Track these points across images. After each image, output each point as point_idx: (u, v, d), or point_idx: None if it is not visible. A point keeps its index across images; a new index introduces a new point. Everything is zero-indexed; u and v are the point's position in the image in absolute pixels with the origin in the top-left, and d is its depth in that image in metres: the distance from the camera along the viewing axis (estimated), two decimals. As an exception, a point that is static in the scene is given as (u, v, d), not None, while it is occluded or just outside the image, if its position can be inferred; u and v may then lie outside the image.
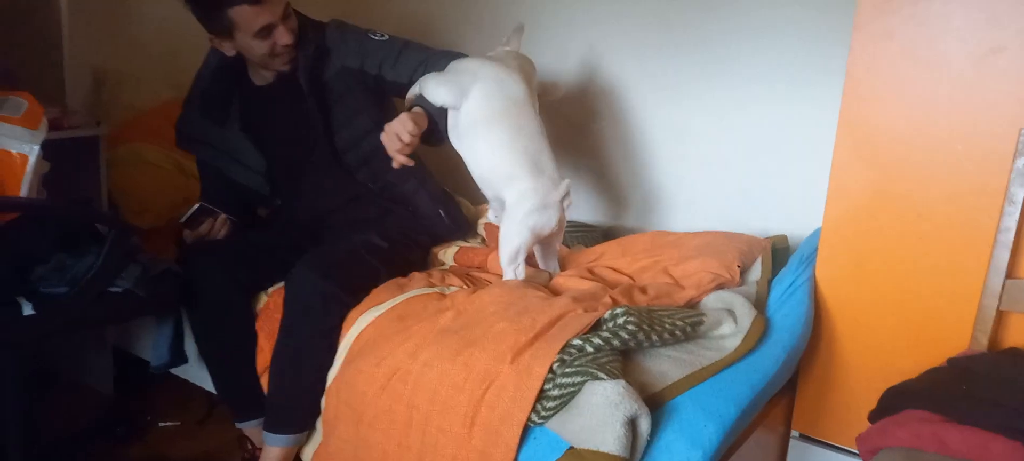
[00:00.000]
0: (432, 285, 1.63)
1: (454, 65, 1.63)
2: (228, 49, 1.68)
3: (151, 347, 1.67)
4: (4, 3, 1.94)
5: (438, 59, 1.70)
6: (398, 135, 1.53)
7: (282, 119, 1.78)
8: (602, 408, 1.12)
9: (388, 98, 1.82)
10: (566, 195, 1.55)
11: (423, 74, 1.66)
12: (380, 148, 1.69)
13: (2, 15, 1.94)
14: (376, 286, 1.59)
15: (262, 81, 1.78)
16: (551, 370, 1.22)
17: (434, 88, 1.59)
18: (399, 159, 1.55)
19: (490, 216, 1.75)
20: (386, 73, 1.73)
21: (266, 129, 1.80)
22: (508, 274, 1.57)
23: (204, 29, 1.65)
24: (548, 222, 1.54)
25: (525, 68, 1.68)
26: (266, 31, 1.62)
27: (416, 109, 1.62)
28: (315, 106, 1.71)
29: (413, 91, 1.65)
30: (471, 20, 2.38)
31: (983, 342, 1.27)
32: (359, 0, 2.48)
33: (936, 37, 1.27)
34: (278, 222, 1.92)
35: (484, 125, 1.56)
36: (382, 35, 1.76)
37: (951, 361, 1.24)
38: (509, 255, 1.56)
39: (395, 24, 2.32)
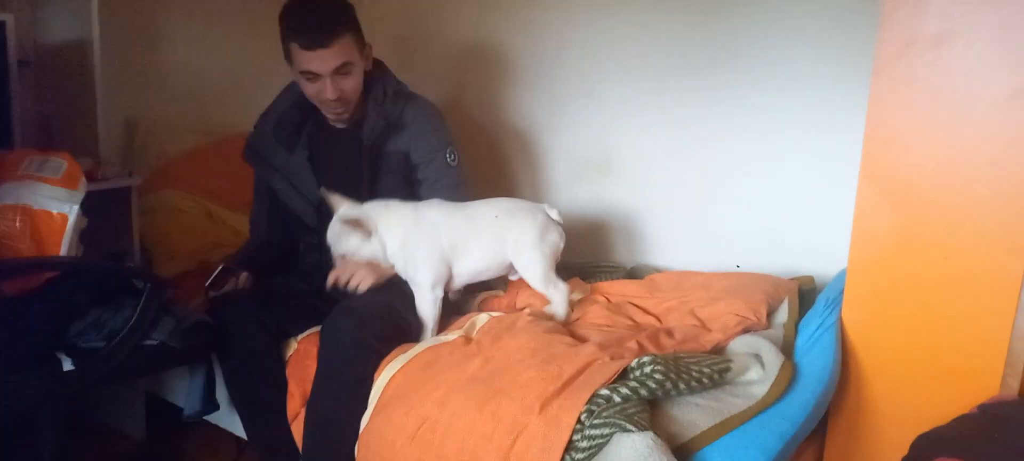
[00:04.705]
0: (457, 328, 1.65)
1: (415, 251, 1.67)
2: (294, 75, 1.75)
3: (184, 396, 1.71)
4: (41, 57, 2.01)
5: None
6: (352, 282, 1.64)
7: (337, 164, 1.83)
8: (631, 461, 1.13)
9: None
10: (552, 209, 1.72)
11: None
12: None
13: (39, 68, 2.01)
14: (406, 339, 1.62)
15: (331, 121, 1.84)
16: (579, 420, 1.23)
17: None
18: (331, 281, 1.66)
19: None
20: (423, 189, 1.82)
21: (323, 166, 1.84)
22: (557, 299, 1.67)
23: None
24: (556, 239, 1.69)
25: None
26: (311, 76, 1.68)
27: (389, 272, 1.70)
28: (368, 167, 1.77)
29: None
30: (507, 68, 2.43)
31: (1014, 386, 1.25)
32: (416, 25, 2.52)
33: (957, 81, 1.27)
34: (305, 266, 1.95)
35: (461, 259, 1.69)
36: (453, 159, 1.83)
37: (982, 407, 1.23)
38: (541, 280, 1.66)
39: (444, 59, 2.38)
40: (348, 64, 1.68)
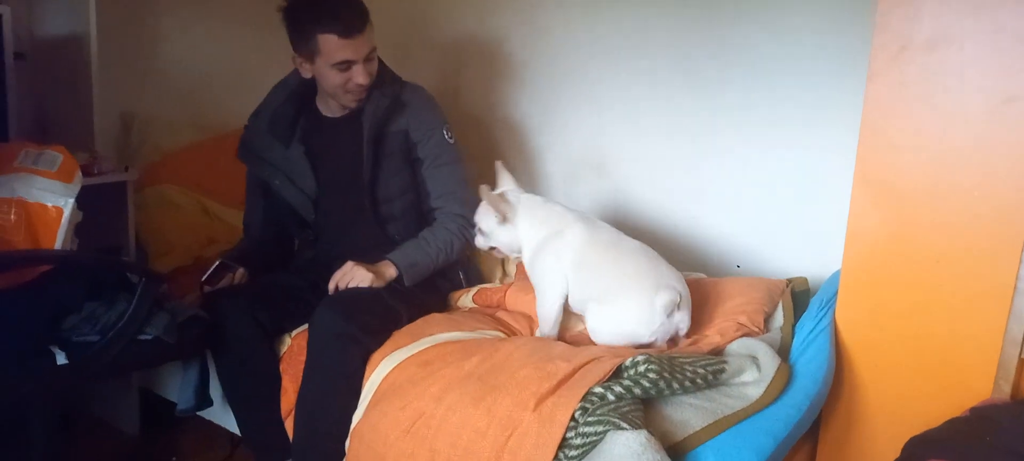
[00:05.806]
0: (457, 328, 1.64)
1: (541, 260, 1.60)
2: (306, 71, 1.76)
3: (177, 391, 1.70)
4: (37, 50, 2.01)
5: (460, 194, 1.82)
6: (351, 283, 1.64)
7: (336, 153, 1.84)
8: (624, 459, 1.13)
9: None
10: (665, 307, 1.47)
11: (443, 203, 1.80)
12: (409, 208, 1.80)
13: (36, 62, 2.00)
14: (397, 328, 1.62)
15: (328, 112, 1.85)
16: (573, 418, 1.23)
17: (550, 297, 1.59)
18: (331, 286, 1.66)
19: None
20: (425, 168, 1.83)
21: (320, 158, 1.85)
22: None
23: (291, 46, 1.74)
24: (638, 334, 1.49)
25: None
26: (345, 65, 1.70)
27: (388, 267, 1.70)
28: (371, 152, 1.77)
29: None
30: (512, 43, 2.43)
31: (1006, 390, 1.26)
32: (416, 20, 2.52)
33: (951, 86, 1.28)
34: (301, 262, 1.95)
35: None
36: (450, 137, 1.84)
37: (974, 410, 1.24)
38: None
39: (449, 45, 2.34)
40: (374, 49, 1.74)
